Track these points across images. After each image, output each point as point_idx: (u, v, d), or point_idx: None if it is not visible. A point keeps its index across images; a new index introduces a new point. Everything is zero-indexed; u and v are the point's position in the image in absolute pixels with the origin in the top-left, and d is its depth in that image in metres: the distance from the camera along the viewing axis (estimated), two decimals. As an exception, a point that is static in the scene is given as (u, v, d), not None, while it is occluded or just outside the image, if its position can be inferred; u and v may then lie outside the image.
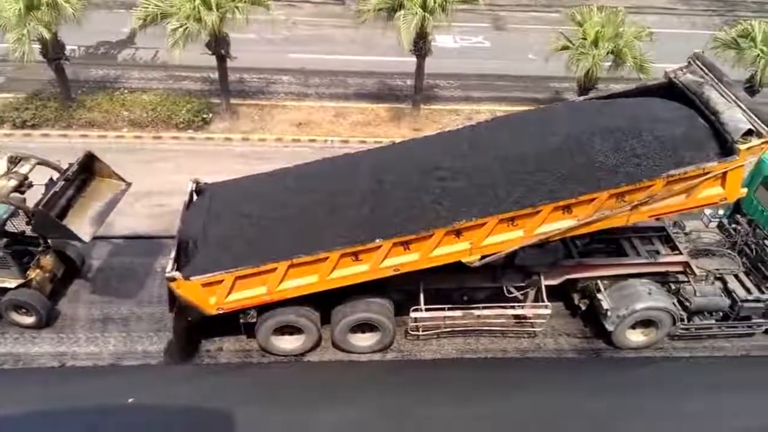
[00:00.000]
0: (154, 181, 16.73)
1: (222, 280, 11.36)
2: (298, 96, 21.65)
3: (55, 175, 12.65)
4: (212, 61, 19.20)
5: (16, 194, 12.39)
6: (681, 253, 13.27)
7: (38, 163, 12.91)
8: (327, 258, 11.28)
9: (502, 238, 11.44)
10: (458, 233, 11.26)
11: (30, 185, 12.60)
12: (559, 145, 11.50)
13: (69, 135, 19.10)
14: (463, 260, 11.59)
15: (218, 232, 12.10)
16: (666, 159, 10.97)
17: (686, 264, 13.14)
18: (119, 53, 23.56)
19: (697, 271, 13.12)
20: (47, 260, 13.35)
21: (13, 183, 12.37)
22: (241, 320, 12.35)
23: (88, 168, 13.06)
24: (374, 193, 11.83)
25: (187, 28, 17.18)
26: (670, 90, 12.38)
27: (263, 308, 12.25)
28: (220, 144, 19.34)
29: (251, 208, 12.28)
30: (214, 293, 11.54)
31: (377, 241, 11.17)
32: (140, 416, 11.73)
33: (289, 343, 12.84)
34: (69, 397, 11.91)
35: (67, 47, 19.39)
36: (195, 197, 13.27)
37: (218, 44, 18.51)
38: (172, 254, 11.58)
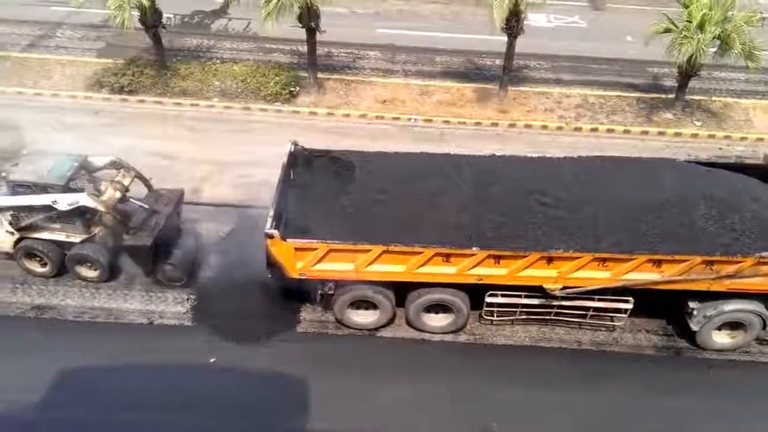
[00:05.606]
0: (240, 151, 17.29)
1: (315, 249, 11.74)
2: (384, 72, 21.54)
3: (141, 188, 13.88)
4: (301, 34, 19.36)
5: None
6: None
7: (135, 177, 13.85)
8: (421, 253, 11.60)
9: (590, 275, 11.88)
10: (550, 260, 11.71)
11: (127, 199, 13.61)
12: (665, 200, 12.02)
13: (163, 102, 19.83)
14: (546, 287, 12.02)
15: (317, 201, 12.49)
16: (762, 241, 11.56)
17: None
18: (212, 23, 24.18)
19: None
20: (109, 218, 13.76)
21: (118, 195, 13.46)
22: (320, 291, 12.67)
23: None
24: (478, 201, 12.19)
25: (279, 0, 17.40)
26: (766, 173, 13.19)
27: (341, 282, 12.47)
28: (306, 118, 19.56)
29: (350, 186, 12.58)
30: (303, 259, 11.92)
31: (474, 248, 11.46)
32: (218, 376, 12.29)
33: (363, 318, 13.07)
34: (154, 352, 12.59)
35: (164, 15, 19.88)
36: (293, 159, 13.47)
37: (309, 17, 18.61)
38: (271, 212, 11.95)
